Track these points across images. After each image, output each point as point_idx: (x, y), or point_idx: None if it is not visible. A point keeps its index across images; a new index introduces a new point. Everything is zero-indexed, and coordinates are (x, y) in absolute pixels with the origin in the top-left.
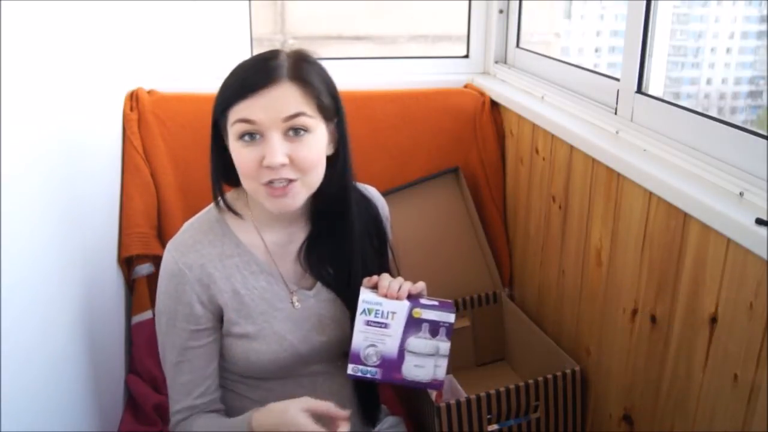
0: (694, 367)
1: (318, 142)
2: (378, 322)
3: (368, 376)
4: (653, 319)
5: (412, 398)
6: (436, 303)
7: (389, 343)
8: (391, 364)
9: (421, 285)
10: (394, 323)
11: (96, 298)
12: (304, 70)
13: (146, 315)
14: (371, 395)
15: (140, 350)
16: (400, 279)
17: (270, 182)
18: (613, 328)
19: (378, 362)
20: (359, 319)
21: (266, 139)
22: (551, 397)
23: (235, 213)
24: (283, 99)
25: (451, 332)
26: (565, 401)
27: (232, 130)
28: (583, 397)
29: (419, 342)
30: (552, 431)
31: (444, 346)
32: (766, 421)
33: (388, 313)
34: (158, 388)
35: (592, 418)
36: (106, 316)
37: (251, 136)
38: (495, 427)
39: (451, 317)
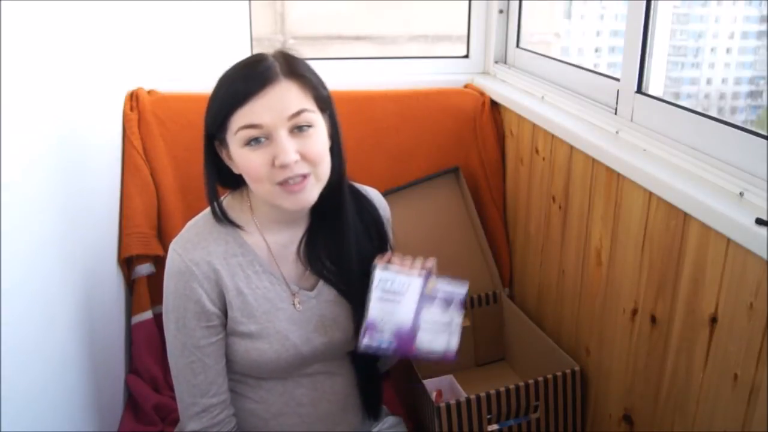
0: (694, 367)
1: (321, 134)
2: (393, 294)
3: (383, 346)
4: (653, 319)
5: (412, 398)
6: (448, 278)
7: (404, 316)
8: (405, 336)
9: (432, 260)
10: (408, 296)
11: (96, 298)
12: (296, 65)
13: (146, 315)
14: (375, 388)
15: (140, 350)
16: (411, 256)
17: (285, 181)
18: (613, 328)
19: (392, 335)
20: (374, 293)
21: (274, 139)
22: (551, 397)
23: (232, 223)
24: (285, 97)
25: (464, 304)
26: (565, 401)
27: (236, 138)
28: (583, 397)
29: (433, 314)
30: (552, 431)
31: (457, 318)
32: (766, 421)
33: (402, 285)
34: (158, 388)
35: (592, 418)
36: (106, 316)
37: (257, 140)
38: (495, 427)
39: (463, 289)
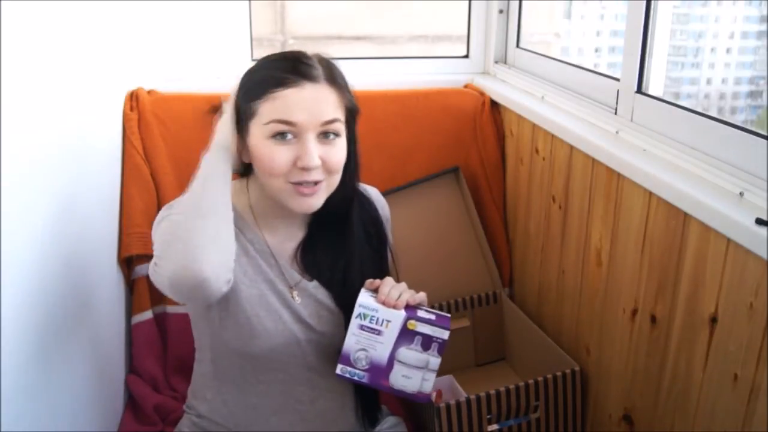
0: (694, 367)
1: (344, 146)
2: (372, 328)
3: (355, 378)
4: (653, 318)
5: None
6: (432, 317)
7: (380, 350)
8: (380, 371)
9: (421, 296)
10: (387, 331)
11: (96, 298)
12: (336, 74)
13: (146, 315)
14: (371, 395)
15: (140, 350)
16: (401, 286)
17: (299, 182)
18: (613, 328)
19: (367, 366)
20: (354, 322)
21: (302, 141)
22: (551, 397)
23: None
24: (323, 102)
25: (444, 349)
26: (565, 401)
27: (264, 128)
28: (583, 397)
29: (410, 353)
30: (552, 431)
31: (434, 361)
32: (766, 421)
33: (383, 320)
34: (158, 388)
35: (592, 418)
36: (106, 316)
37: (283, 136)
38: (495, 427)
39: (445, 334)
